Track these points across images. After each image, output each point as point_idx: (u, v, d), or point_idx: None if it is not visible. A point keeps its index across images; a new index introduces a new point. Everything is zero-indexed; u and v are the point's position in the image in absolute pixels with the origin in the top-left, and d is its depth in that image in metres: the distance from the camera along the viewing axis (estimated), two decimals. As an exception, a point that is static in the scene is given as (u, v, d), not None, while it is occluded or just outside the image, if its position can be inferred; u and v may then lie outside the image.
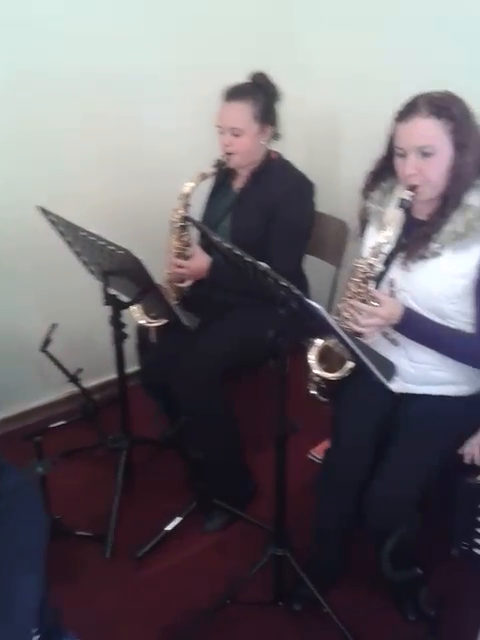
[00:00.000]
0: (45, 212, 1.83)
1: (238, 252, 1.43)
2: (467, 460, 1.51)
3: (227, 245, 1.49)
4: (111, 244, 1.70)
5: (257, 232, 2.02)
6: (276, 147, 2.09)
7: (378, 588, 1.71)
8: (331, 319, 1.22)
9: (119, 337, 2.01)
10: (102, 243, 1.73)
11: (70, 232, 1.86)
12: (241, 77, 1.99)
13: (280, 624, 1.72)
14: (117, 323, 1.98)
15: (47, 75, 2.11)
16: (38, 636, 1.03)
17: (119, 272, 1.84)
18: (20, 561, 0.92)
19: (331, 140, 2.60)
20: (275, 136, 2.07)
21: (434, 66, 2.03)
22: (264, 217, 2.01)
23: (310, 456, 2.27)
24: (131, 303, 1.94)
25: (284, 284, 1.29)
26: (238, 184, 2.12)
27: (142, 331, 2.20)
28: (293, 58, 2.42)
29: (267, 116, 2.00)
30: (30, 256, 2.28)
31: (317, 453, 2.26)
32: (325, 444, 1.89)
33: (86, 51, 2.15)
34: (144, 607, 1.80)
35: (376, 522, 1.50)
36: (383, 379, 1.26)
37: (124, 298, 1.96)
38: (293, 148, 2.17)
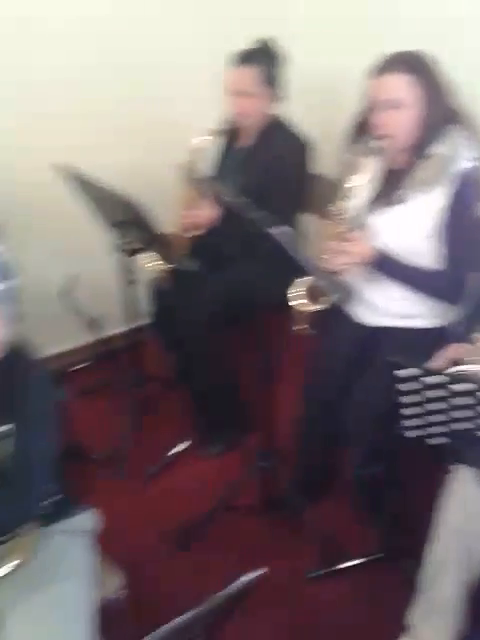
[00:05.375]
0: (61, 168, 2.04)
1: (234, 200, 1.62)
2: None
3: (220, 189, 1.67)
4: (117, 195, 1.91)
5: (258, 190, 2.20)
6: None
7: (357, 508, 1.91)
8: (290, 244, 1.41)
9: (129, 282, 2.25)
10: (111, 194, 1.94)
11: (82, 186, 2.08)
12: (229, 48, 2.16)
13: (265, 529, 1.95)
14: (126, 269, 2.22)
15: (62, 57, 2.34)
16: (54, 498, 1.24)
17: (126, 222, 2.06)
18: (44, 422, 1.15)
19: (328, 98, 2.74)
20: (280, 98, 2.25)
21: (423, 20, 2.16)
22: (266, 177, 2.19)
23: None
24: (138, 250, 2.17)
25: (255, 218, 1.48)
26: (243, 144, 2.31)
27: (155, 282, 2.42)
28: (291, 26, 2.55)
29: (273, 79, 2.18)
30: (52, 210, 2.49)
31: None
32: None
33: (104, 33, 2.37)
34: (150, 517, 2.04)
35: (352, 425, 1.71)
36: (338, 299, 1.45)
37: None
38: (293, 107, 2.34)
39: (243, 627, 1.47)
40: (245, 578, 0.85)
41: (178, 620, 0.77)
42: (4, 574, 1.15)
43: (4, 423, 1.12)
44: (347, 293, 1.52)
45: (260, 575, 0.85)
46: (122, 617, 1.34)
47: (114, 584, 1.35)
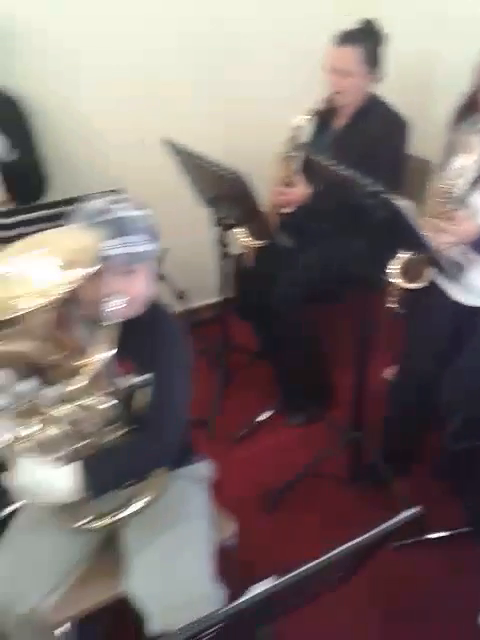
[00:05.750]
0: (169, 143, 2.13)
1: (339, 168, 1.67)
2: None
3: (329, 163, 1.72)
4: (224, 169, 1.99)
5: (354, 168, 2.24)
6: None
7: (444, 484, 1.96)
8: (411, 216, 1.46)
9: (224, 255, 2.34)
10: (216, 169, 2.02)
11: (189, 161, 2.16)
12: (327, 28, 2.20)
13: (350, 498, 2.02)
14: (220, 243, 2.30)
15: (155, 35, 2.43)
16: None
17: (228, 196, 2.13)
18: (180, 372, 1.25)
19: (422, 79, 2.74)
20: (378, 79, 2.28)
21: None
22: (362, 155, 2.22)
23: (383, 375, 2.52)
24: (237, 224, 2.24)
25: (375, 189, 1.53)
26: (339, 123, 2.35)
27: (239, 260, 2.50)
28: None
29: (373, 60, 2.21)
30: (148, 186, 2.59)
31: (389, 374, 2.49)
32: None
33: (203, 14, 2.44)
34: (237, 478, 2.13)
35: (449, 398, 1.75)
36: (449, 275, 1.49)
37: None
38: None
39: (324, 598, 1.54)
40: (401, 516, 0.90)
41: (325, 557, 0.84)
42: (137, 509, 1.25)
43: (145, 372, 1.21)
44: (459, 270, 1.56)
45: (416, 513, 0.90)
46: (234, 563, 1.43)
47: (228, 530, 1.45)
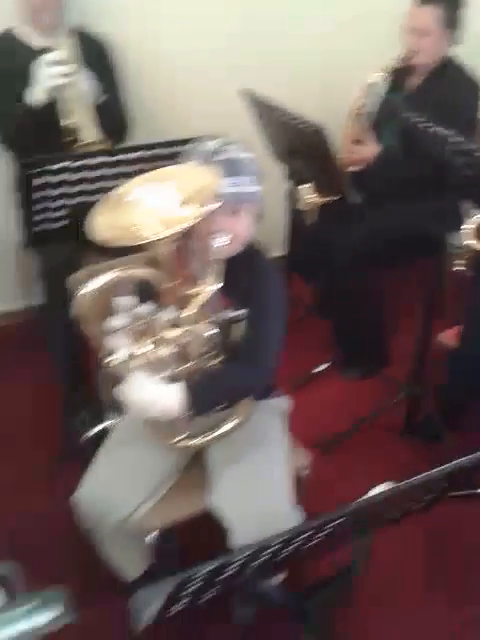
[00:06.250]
0: (248, 93, 2.17)
1: (430, 125, 1.70)
2: None
3: (419, 120, 1.76)
4: (303, 122, 2.02)
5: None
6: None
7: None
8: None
9: (292, 210, 2.40)
10: (295, 121, 2.06)
11: (266, 112, 2.20)
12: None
13: (404, 449, 2.11)
14: (293, 197, 2.36)
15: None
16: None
17: (304, 149, 2.17)
18: (275, 308, 1.33)
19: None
20: (457, 41, 2.28)
21: None
22: (434, 116, 2.24)
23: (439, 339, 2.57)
24: (308, 179, 2.29)
25: (469, 147, 1.56)
26: (412, 83, 2.37)
27: (302, 217, 2.54)
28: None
29: (453, 21, 2.22)
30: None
31: (445, 338, 2.54)
32: (454, 330, 2.16)
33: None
34: (295, 421, 2.23)
35: None
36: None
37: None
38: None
39: (378, 537, 1.61)
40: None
41: (415, 479, 0.92)
42: (225, 431, 1.36)
43: (242, 307, 1.30)
44: None
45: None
46: (304, 493, 1.53)
47: (304, 460, 1.55)
